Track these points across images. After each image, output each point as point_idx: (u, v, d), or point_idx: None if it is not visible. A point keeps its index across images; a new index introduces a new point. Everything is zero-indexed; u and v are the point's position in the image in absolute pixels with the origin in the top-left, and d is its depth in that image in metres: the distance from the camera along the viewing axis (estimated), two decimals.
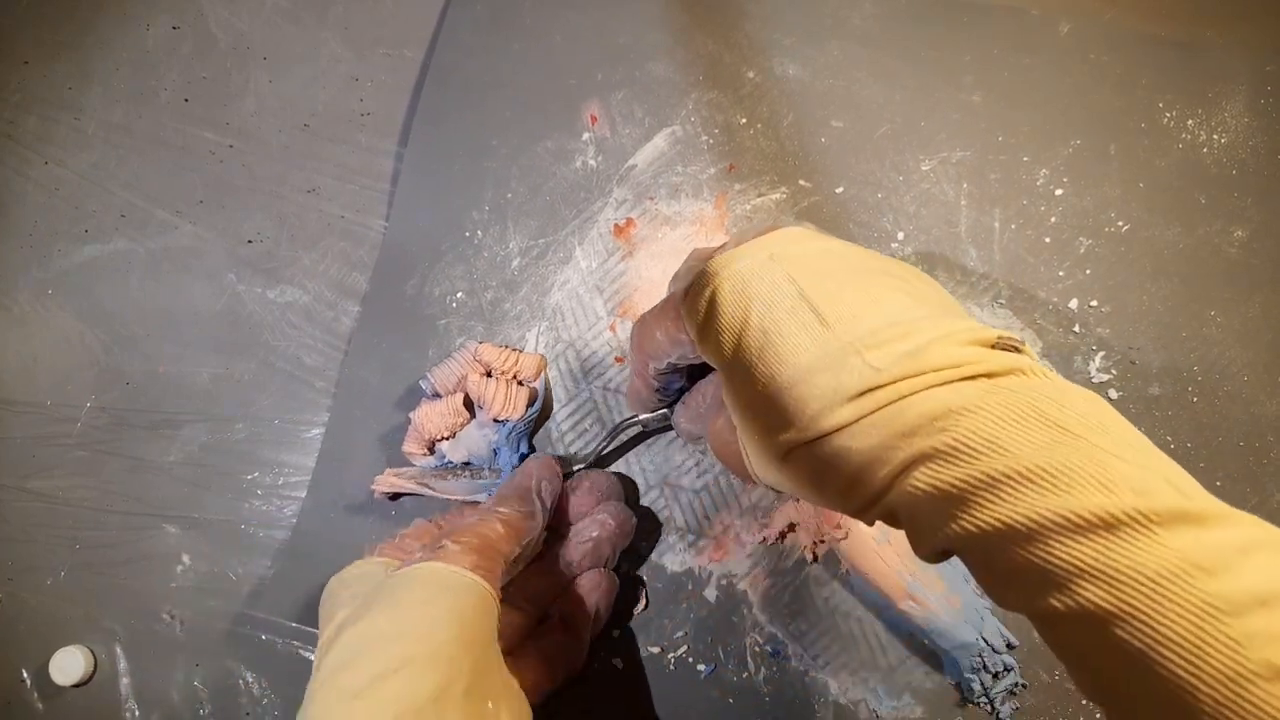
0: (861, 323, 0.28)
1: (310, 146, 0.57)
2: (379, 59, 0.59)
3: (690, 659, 0.47)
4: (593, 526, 0.44)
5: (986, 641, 0.44)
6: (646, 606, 0.48)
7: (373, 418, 0.52)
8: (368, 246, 0.55)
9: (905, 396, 0.26)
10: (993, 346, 0.27)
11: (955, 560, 0.46)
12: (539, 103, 0.55)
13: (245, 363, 0.54)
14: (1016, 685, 0.44)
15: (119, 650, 0.51)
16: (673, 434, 0.49)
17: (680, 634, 0.47)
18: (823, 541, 0.47)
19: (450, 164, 0.55)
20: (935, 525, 0.26)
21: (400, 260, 0.54)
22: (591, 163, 0.54)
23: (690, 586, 0.48)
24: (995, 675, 0.44)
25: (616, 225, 0.52)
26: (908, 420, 0.26)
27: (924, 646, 0.45)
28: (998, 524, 0.23)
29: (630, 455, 0.49)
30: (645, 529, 0.49)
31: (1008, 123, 0.52)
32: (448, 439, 0.49)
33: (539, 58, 0.55)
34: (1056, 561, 0.22)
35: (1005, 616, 0.45)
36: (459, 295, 0.53)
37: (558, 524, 0.45)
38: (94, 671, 0.51)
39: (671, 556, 0.48)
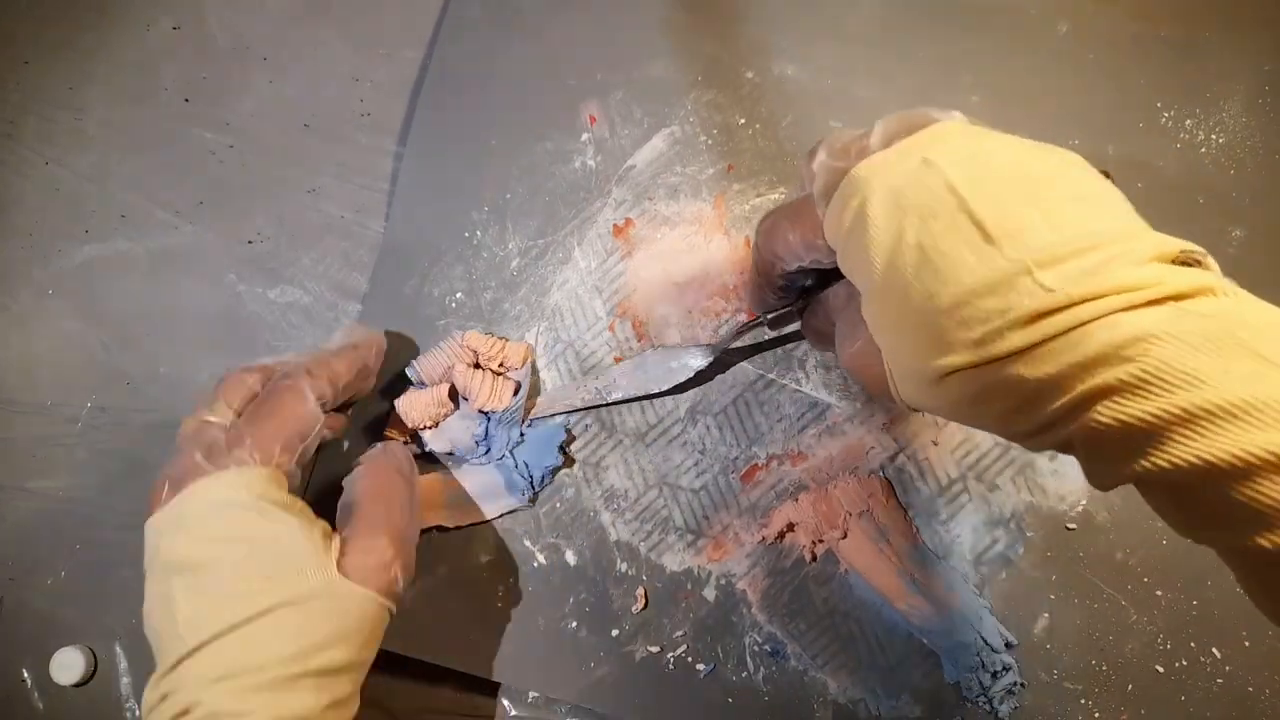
0: (1032, 237, 0.25)
1: (310, 146, 0.57)
2: (379, 59, 0.59)
3: (689, 659, 0.47)
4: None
5: (985, 641, 0.44)
6: (646, 606, 0.48)
7: (370, 418, 0.52)
8: (368, 246, 0.56)
9: (1085, 323, 0.24)
10: (1176, 261, 0.25)
11: (954, 560, 0.46)
12: (538, 103, 0.55)
13: (245, 363, 0.54)
14: (1015, 684, 0.44)
15: (119, 650, 0.52)
16: (677, 432, 0.49)
17: (679, 634, 0.47)
18: (821, 541, 0.47)
19: (449, 164, 0.55)
20: (1122, 459, 0.24)
21: (399, 260, 0.54)
22: (590, 163, 0.54)
23: (689, 586, 0.48)
24: (994, 674, 0.44)
25: (615, 225, 0.52)
26: (1089, 349, 0.24)
27: (922, 646, 0.45)
28: (1198, 461, 0.22)
29: (629, 455, 0.50)
30: (643, 530, 0.49)
31: (1006, 122, 0.51)
32: (430, 428, 0.49)
33: (538, 58, 0.56)
34: (1267, 500, 0.21)
35: (1004, 616, 0.45)
36: (458, 296, 0.53)
37: None
38: (94, 671, 0.51)
39: (670, 556, 0.48)
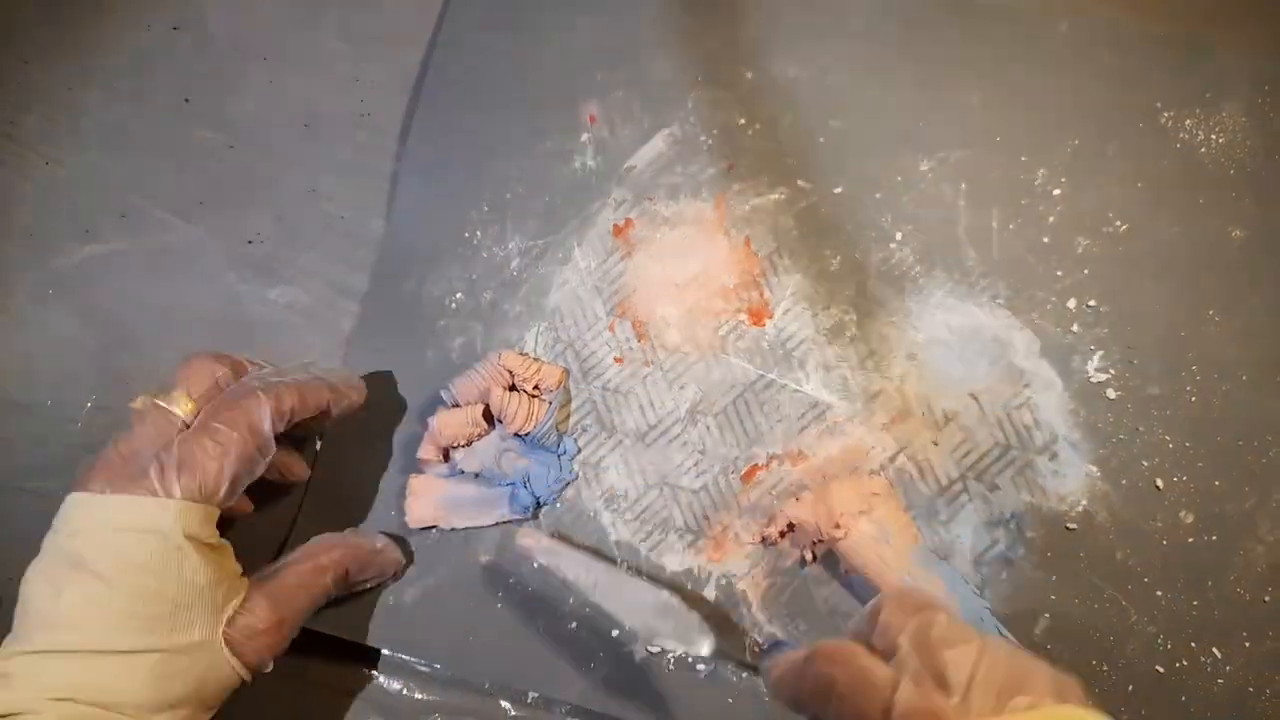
0: None
1: (310, 146, 0.57)
2: (379, 59, 0.59)
3: (689, 659, 0.47)
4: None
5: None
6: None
7: (371, 417, 0.52)
8: (368, 246, 0.56)
9: None
10: None
11: (955, 560, 0.46)
12: (538, 103, 0.55)
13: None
14: None
15: None
16: (677, 432, 0.49)
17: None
18: (821, 541, 0.47)
19: (449, 164, 0.55)
20: None
21: (399, 261, 0.54)
22: (590, 163, 0.54)
23: (689, 586, 0.48)
24: None
25: (615, 225, 0.52)
26: None
27: None
28: None
29: (629, 455, 0.50)
30: (643, 530, 0.49)
31: (1006, 122, 0.52)
32: (463, 447, 0.49)
33: (538, 58, 0.56)
34: None
35: (1004, 616, 0.45)
36: (458, 296, 0.53)
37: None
38: None
39: (671, 557, 0.48)
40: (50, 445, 0.54)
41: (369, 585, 0.47)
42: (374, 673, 0.49)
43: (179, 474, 0.38)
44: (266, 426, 0.40)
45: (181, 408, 0.40)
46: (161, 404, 0.40)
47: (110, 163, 0.58)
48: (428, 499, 0.49)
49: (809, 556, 0.47)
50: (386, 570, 0.47)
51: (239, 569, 0.41)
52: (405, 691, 0.50)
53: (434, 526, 0.49)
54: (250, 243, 0.56)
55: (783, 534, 0.48)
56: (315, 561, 0.43)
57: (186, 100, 0.59)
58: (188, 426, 0.40)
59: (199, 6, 0.60)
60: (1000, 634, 0.44)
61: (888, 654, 0.32)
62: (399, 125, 0.57)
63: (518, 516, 0.49)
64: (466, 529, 0.49)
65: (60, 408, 0.55)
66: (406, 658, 0.49)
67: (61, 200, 0.58)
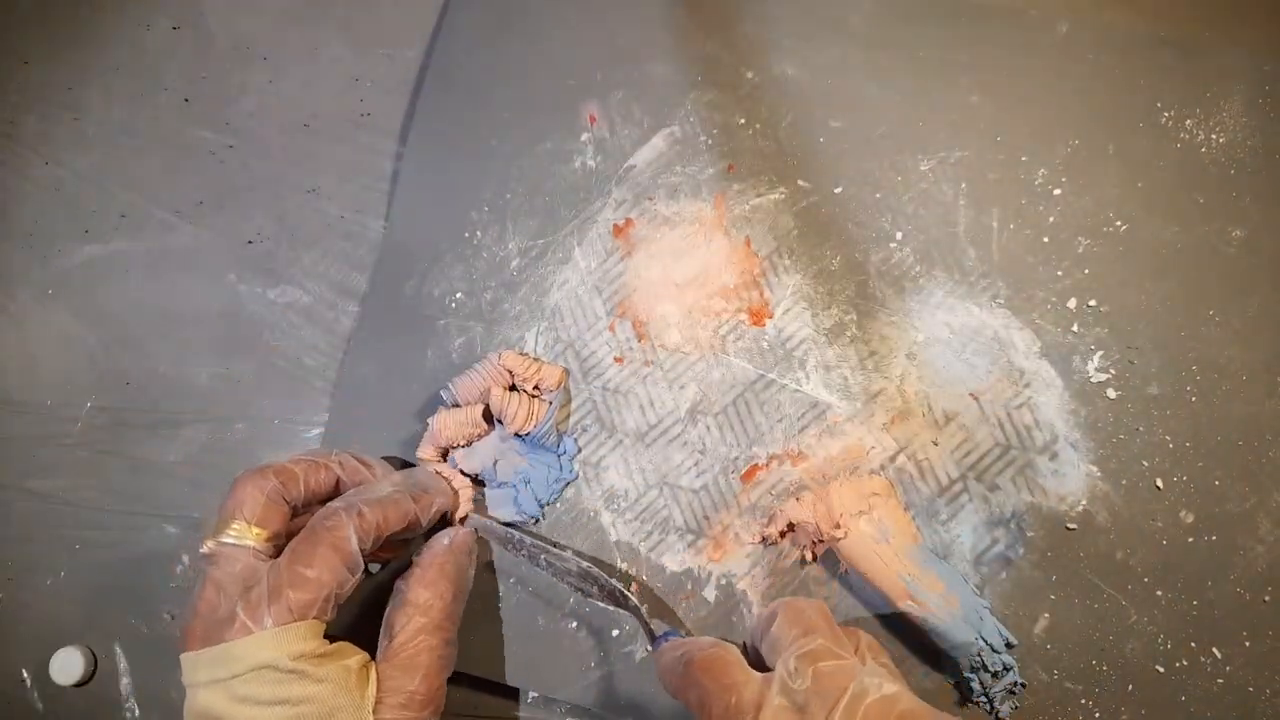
0: None
1: (310, 146, 0.57)
2: (379, 59, 0.59)
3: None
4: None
5: (985, 641, 0.44)
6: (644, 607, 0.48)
7: (371, 417, 0.52)
8: (368, 246, 0.56)
9: None
10: None
11: (955, 560, 0.46)
12: (539, 103, 0.55)
13: (245, 363, 0.54)
14: (1015, 684, 0.44)
15: (119, 650, 0.52)
16: (677, 432, 0.49)
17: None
18: (822, 541, 0.47)
19: (450, 164, 0.55)
20: None
21: (400, 260, 0.54)
22: (590, 163, 0.54)
23: (689, 586, 0.48)
24: (994, 674, 0.44)
25: (615, 225, 0.52)
26: None
27: (922, 646, 0.45)
28: None
29: (629, 454, 0.50)
30: (643, 530, 0.49)
31: (1006, 122, 0.52)
32: (462, 448, 0.49)
33: (539, 58, 0.56)
34: None
35: (1004, 616, 0.45)
36: (458, 295, 0.53)
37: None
38: (94, 671, 0.51)
39: (671, 556, 0.48)
40: (50, 445, 0.54)
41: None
42: None
43: (270, 605, 0.37)
44: (353, 547, 0.40)
45: (247, 538, 0.40)
46: (228, 541, 0.40)
47: (110, 163, 0.58)
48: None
49: (809, 556, 0.47)
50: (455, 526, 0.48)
51: (363, 656, 0.40)
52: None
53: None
54: (250, 243, 0.56)
55: (783, 534, 0.48)
56: (429, 619, 0.42)
57: (186, 100, 0.59)
58: (260, 551, 0.40)
59: (199, 6, 0.60)
60: (1000, 634, 0.44)
61: (769, 664, 0.36)
62: (399, 125, 0.57)
63: (519, 519, 0.49)
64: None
65: (60, 408, 0.55)
66: None
67: (61, 200, 0.58)
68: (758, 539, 0.48)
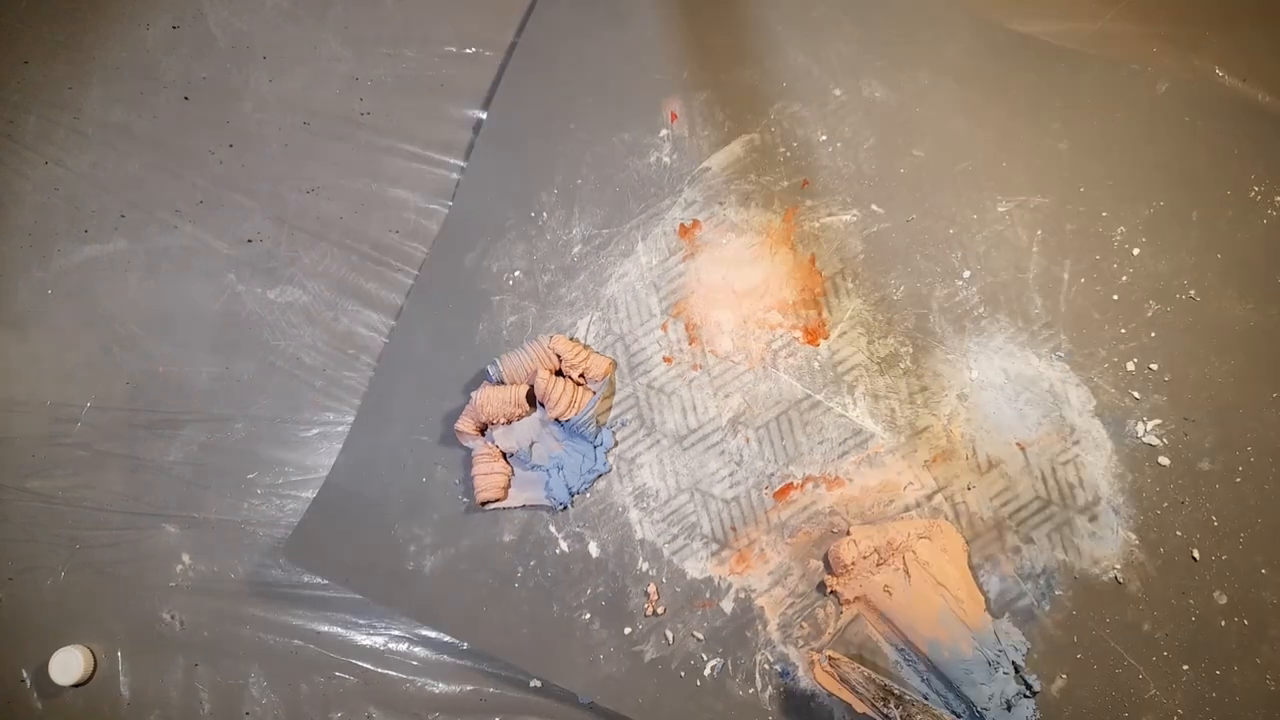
0: None
1: (310, 146, 0.57)
2: (379, 59, 0.58)
3: (698, 667, 0.47)
4: None
5: (1001, 690, 0.44)
6: (659, 608, 0.48)
7: (418, 383, 0.52)
8: (368, 245, 0.55)
9: None
10: None
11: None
12: (621, 93, 0.55)
13: (245, 363, 0.54)
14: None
15: (119, 650, 0.51)
16: (716, 440, 0.49)
17: (692, 641, 0.47)
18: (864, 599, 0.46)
19: (525, 142, 0.55)
20: None
21: (463, 231, 0.54)
22: (666, 160, 0.53)
23: (708, 595, 0.48)
24: (1008, 706, 0.44)
25: (682, 225, 0.52)
26: None
27: (936, 687, 0.45)
28: None
29: (665, 455, 0.49)
30: (669, 533, 0.49)
31: (1091, 174, 0.51)
32: (502, 425, 0.50)
33: (627, 47, 0.55)
34: None
35: (1020, 669, 0.45)
36: (516, 274, 0.53)
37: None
38: (94, 671, 0.51)
39: (693, 563, 0.48)
40: (50, 445, 0.54)
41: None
42: (378, 669, 0.50)
43: None
44: None
45: None
46: None
47: (110, 163, 0.57)
48: (494, 476, 0.50)
49: (836, 598, 0.47)
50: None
51: None
52: (407, 686, 0.50)
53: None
54: (250, 243, 0.56)
55: (839, 572, 0.47)
56: None
57: (186, 100, 0.58)
58: None
59: (199, 6, 0.59)
60: (1016, 684, 0.44)
61: None
62: (399, 124, 0.56)
63: (548, 504, 0.49)
64: (495, 507, 0.49)
65: (60, 408, 0.54)
66: (420, 628, 0.49)
67: (61, 200, 0.57)
68: (830, 590, 0.47)
